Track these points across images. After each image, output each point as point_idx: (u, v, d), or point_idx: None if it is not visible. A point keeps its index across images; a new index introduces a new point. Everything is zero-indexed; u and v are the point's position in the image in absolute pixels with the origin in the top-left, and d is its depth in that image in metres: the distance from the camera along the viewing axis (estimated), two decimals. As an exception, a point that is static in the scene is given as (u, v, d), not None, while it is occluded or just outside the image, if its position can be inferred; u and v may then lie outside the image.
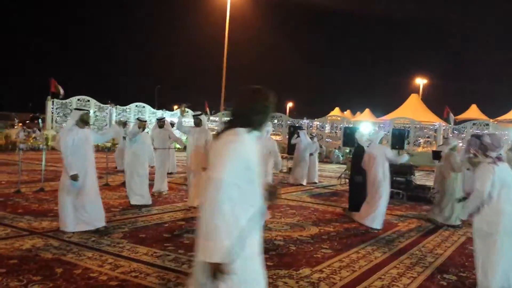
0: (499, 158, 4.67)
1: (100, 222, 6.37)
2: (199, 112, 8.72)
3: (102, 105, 25.00)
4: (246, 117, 2.55)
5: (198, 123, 8.39)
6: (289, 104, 68.13)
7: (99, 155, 17.61)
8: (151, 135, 10.24)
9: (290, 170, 15.02)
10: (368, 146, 8.24)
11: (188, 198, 8.36)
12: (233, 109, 2.66)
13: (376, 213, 7.59)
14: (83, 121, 6.40)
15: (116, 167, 13.48)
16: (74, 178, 6.13)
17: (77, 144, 6.20)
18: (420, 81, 47.38)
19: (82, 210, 6.21)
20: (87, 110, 6.70)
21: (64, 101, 23.11)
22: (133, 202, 8.32)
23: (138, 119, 8.83)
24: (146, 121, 8.86)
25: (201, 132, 8.30)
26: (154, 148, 9.52)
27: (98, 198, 6.43)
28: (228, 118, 2.64)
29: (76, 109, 6.60)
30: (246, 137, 2.51)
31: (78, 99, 23.87)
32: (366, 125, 26.13)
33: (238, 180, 2.39)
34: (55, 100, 22.76)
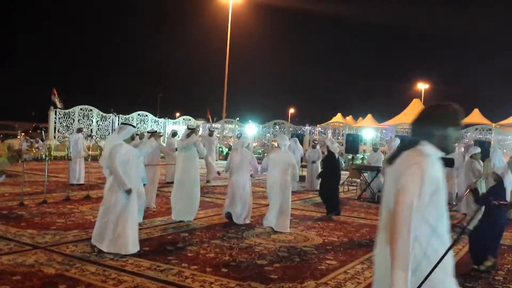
0: None
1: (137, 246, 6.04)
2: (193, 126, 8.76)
3: (104, 114, 25.05)
4: (432, 135, 2.35)
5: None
6: (291, 110, 68.23)
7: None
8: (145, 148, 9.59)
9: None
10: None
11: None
12: (417, 126, 2.43)
13: None
14: (133, 137, 6.28)
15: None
16: (129, 192, 5.91)
17: (126, 160, 5.95)
18: (422, 86, 47.44)
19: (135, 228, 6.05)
20: (134, 125, 6.50)
21: (66, 111, 23.15)
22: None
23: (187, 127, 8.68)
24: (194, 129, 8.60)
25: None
26: (145, 164, 8.78)
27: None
28: (409, 136, 2.43)
29: (126, 124, 6.31)
30: (432, 158, 2.31)
31: (81, 109, 23.91)
32: (368, 131, 26.14)
33: (424, 204, 2.23)
34: (58, 110, 22.80)
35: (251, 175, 8.60)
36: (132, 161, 6.06)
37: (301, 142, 17.55)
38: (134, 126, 6.33)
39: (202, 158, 10.18)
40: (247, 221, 8.24)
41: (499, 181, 6.01)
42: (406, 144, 2.39)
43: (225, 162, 9.82)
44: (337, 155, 9.59)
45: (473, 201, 7.04)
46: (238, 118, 34.48)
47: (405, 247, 2.12)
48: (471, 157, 8.46)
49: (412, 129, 2.46)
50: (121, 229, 5.82)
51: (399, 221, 2.15)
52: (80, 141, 13.01)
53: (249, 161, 8.41)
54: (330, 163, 9.49)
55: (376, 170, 12.02)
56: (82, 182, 12.43)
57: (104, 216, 5.91)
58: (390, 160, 2.42)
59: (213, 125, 29.58)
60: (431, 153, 2.32)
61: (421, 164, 2.23)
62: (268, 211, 7.97)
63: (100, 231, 5.90)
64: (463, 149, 12.36)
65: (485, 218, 5.92)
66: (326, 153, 10.06)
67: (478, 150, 8.58)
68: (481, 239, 5.85)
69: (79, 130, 13.48)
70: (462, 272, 5.76)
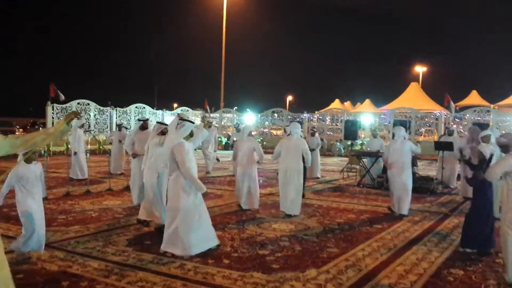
0: None
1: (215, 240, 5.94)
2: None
3: (102, 108, 24.99)
4: None
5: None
6: (289, 98, 68.07)
7: (98, 158, 17.58)
8: (132, 139, 8.81)
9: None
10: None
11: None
12: None
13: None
14: (191, 134, 5.87)
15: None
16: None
17: (189, 159, 5.65)
18: (420, 69, 47.29)
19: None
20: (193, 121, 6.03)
21: (64, 105, 23.10)
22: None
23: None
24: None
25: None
26: (135, 154, 8.61)
27: None
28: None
29: (184, 120, 5.77)
30: None
31: (78, 103, 23.86)
32: (367, 116, 26.12)
33: None
34: (55, 105, 22.75)
35: (258, 162, 8.88)
36: (193, 160, 5.77)
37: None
38: (192, 122, 5.86)
39: (199, 149, 10.16)
40: (256, 207, 8.63)
41: (483, 160, 6.09)
42: None
43: (224, 152, 9.90)
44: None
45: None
46: (236, 107, 34.39)
47: None
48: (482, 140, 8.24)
49: None
50: (199, 230, 5.64)
51: None
52: (82, 136, 13.03)
53: (254, 148, 8.73)
54: None
55: (375, 156, 12.02)
56: (86, 176, 12.34)
57: (173, 221, 5.61)
58: None
59: (211, 115, 29.51)
60: None
61: None
62: (281, 197, 8.27)
63: (171, 236, 5.61)
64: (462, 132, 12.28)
65: (478, 198, 6.08)
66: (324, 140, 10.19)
67: (488, 132, 8.39)
68: (474, 220, 6.02)
69: (82, 126, 13.41)
70: (462, 256, 5.81)
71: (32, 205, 5.49)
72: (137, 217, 7.29)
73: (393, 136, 9.00)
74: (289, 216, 8.04)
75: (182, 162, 5.53)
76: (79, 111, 23.26)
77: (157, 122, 7.68)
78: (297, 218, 7.92)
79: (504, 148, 5.31)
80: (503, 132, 8.99)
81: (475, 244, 5.97)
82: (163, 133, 7.17)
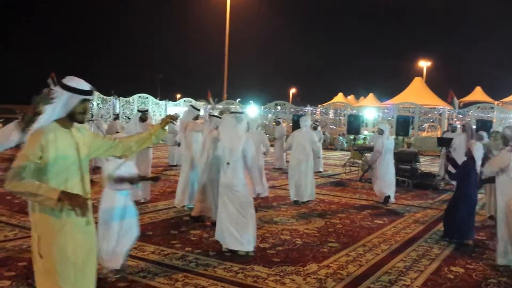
0: None
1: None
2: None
3: (105, 97, 24.99)
4: None
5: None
6: (292, 91, 67.90)
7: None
8: (129, 131, 7.98)
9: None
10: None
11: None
12: None
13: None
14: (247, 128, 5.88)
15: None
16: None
17: None
18: (424, 64, 47.07)
19: None
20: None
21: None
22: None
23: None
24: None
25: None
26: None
27: None
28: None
29: (239, 112, 5.82)
30: None
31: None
32: (370, 111, 26.07)
33: None
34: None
35: (264, 153, 9.25)
36: None
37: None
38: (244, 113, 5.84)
39: None
40: (266, 194, 8.74)
41: (470, 156, 6.24)
42: None
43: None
44: None
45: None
46: (239, 99, 34.35)
47: None
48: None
49: None
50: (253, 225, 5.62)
51: None
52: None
53: (261, 141, 8.96)
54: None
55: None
56: (99, 165, 12.41)
57: (246, 215, 5.50)
58: None
59: (214, 106, 29.44)
60: None
61: None
62: (292, 187, 8.70)
63: (241, 231, 5.46)
64: (459, 128, 12.15)
65: (459, 193, 6.38)
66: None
67: (498, 130, 8.37)
68: (456, 214, 6.23)
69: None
70: (463, 254, 5.82)
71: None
72: (191, 214, 7.06)
73: (380, 132, 9.52)
74: (298, 203, 8.52)
75: (254, 158, 5.64)
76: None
77: (211, 115, 7.25)
78: (299, 212, 7.94)
79: (504, 140, 5.39)
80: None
81: (459, 234, 6.23)
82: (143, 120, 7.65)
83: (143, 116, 8.46)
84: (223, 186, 5.54)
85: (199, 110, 8.48)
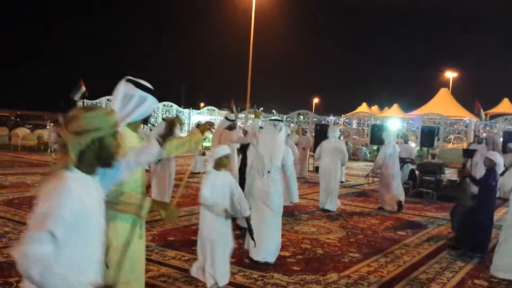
0: None
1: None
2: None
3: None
4: None
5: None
6: (315, 100, 67.75)
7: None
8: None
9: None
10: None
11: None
12: None
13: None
14: None
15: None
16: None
17: None
18: (450, 75, 46.38)
19: None
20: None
21: (94, 101, 23.60)
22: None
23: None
24: None
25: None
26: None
27: None
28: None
29: (278, 120, 5.62)
30: None
31: (108, 99, 24.29)
32: (394, 121, 25.78)
33: None
34: (85, 100, 23.25)
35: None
36: None
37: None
38: (283, 121, 5.82)
39: None
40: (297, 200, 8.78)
41: (490, 167, 6.12)
42: None
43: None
44: None
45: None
46: (262, 109, 34.43)
47: None
48: None
49: None
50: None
51: None
52: None
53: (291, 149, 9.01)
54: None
55: (402, 161, 11.85)
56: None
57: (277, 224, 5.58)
58: None
59: (237, 115, 29.59)
60: None
61: None
62: (321, 195, 9.08)
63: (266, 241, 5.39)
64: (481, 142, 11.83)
65: (482, 203, 6.20)
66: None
67: None
68: (474, 222, 6.11)
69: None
70: (488, 267, 5.69)
71: None
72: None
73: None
74: (326, 211, 8.78)
75: (292, 165, 5.69)
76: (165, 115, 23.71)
77: (228, 119, 8.01)
78: (320, 222, 7.90)
79: None
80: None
81: (472, 244, 6.14)
82: (231, 128, 7.81)
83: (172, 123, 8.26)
84: (259, 193, 5.47)
85: (233, 120, 8.52)
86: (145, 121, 2.83)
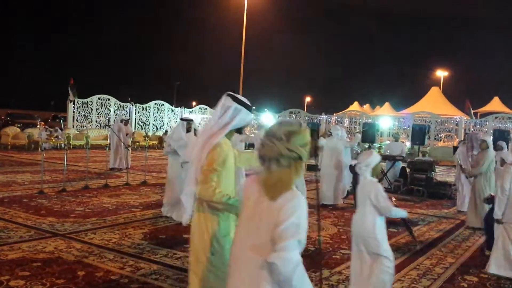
0: None
1: None
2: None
3: (122, 103, 25.28)
4: None
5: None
6: (307, 99, 67.89)
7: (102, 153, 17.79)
8: (179, 138, 7.37)
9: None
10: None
11: None
12: None
13: None
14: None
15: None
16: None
17: None
18: (441, 73, 46.66)
19: None
20: None
21: (84, 100, 23.47)
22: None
23: None
24: None
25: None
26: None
27: None
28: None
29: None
30: None
31: (99, 98, 24.18)
32: (386, 120, 25.91)
33: None
34: (76, 99, 23.12)
35: None
36: None
37: (317, 131, 17.48)
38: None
39: None
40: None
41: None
42: None
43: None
44: None
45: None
46: (254, 107, 34.41)
47: None
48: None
49: None
50: None
51: None
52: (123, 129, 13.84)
53: None
54: None
55: (393, 159, 11.92)
56: (129, 166, 13.63)
57: None
58: None
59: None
60: None
61: None
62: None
63: None
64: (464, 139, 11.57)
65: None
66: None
67: (487, 138, 8.06)
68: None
69: (122, 121, 14.30)
70: (477, 263, 5.73)
71: None
72: None
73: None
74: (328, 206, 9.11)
75: None
76: (100, 106, 23.63)
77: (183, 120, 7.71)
78: (312, 219, 7.90)
79: None
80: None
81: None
82: (188, 130, 7.34)
83: (188, 126, 7.56)
84: None
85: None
86: (239, 130, 3.18)
